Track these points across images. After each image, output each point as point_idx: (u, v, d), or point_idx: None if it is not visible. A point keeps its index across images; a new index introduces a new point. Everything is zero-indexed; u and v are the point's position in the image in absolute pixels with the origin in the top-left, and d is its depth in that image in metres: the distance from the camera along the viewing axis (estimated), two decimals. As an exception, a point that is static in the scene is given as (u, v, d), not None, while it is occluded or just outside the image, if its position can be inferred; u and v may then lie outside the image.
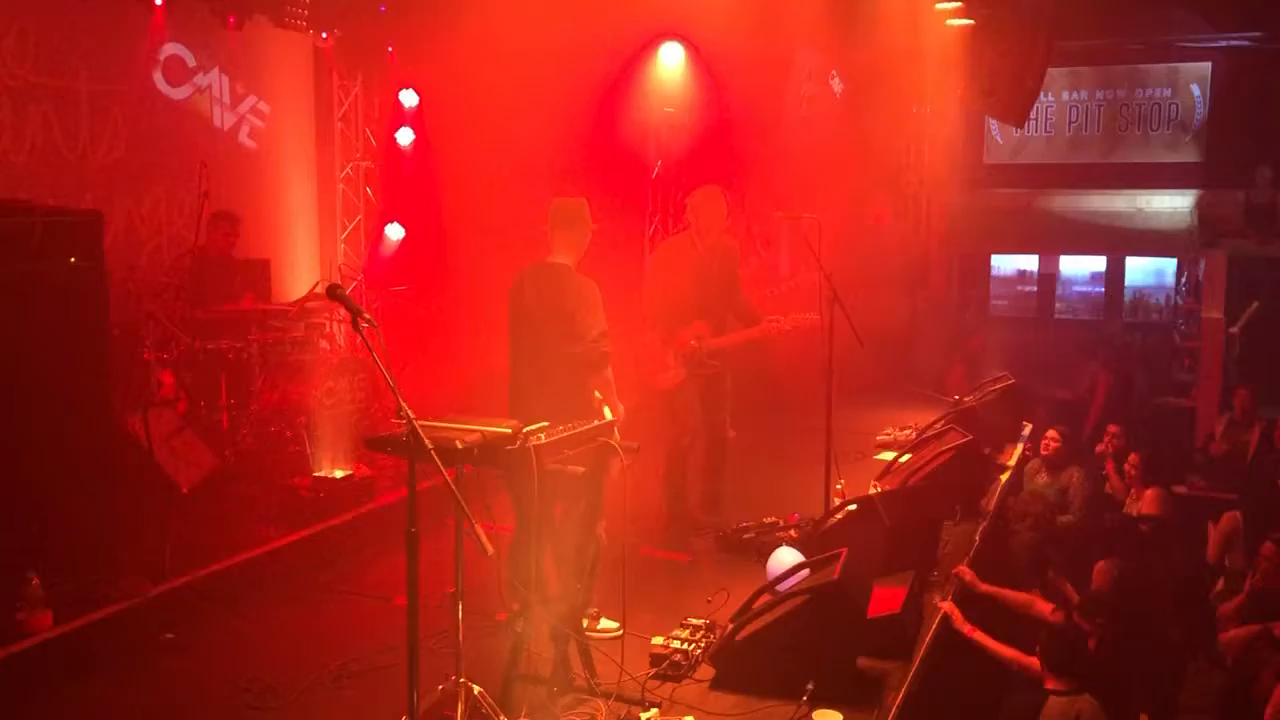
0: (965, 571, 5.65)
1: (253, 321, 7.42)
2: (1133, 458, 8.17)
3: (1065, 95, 13.43)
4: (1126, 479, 8.21)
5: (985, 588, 5.61)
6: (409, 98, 9.80)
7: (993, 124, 13.44)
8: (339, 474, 6.85)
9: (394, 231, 9.79)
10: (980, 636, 5.13)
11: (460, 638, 4.11)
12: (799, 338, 6.56)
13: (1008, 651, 5.12)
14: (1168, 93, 13.11)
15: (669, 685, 4.57)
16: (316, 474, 6.85)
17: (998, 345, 11.95)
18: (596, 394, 4.93)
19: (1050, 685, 4.76)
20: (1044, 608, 5.42)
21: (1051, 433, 8.39)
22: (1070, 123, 13.55)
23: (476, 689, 4.10)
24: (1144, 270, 13.53)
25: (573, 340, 4.98)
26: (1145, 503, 7.81)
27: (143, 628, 5.07)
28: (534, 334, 5.11)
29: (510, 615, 4.45)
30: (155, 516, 6.07)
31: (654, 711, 4.25)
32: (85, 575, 5.14)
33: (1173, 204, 12.87)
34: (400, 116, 9.83)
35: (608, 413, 4.83)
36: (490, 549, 3.63)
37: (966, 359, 11.54)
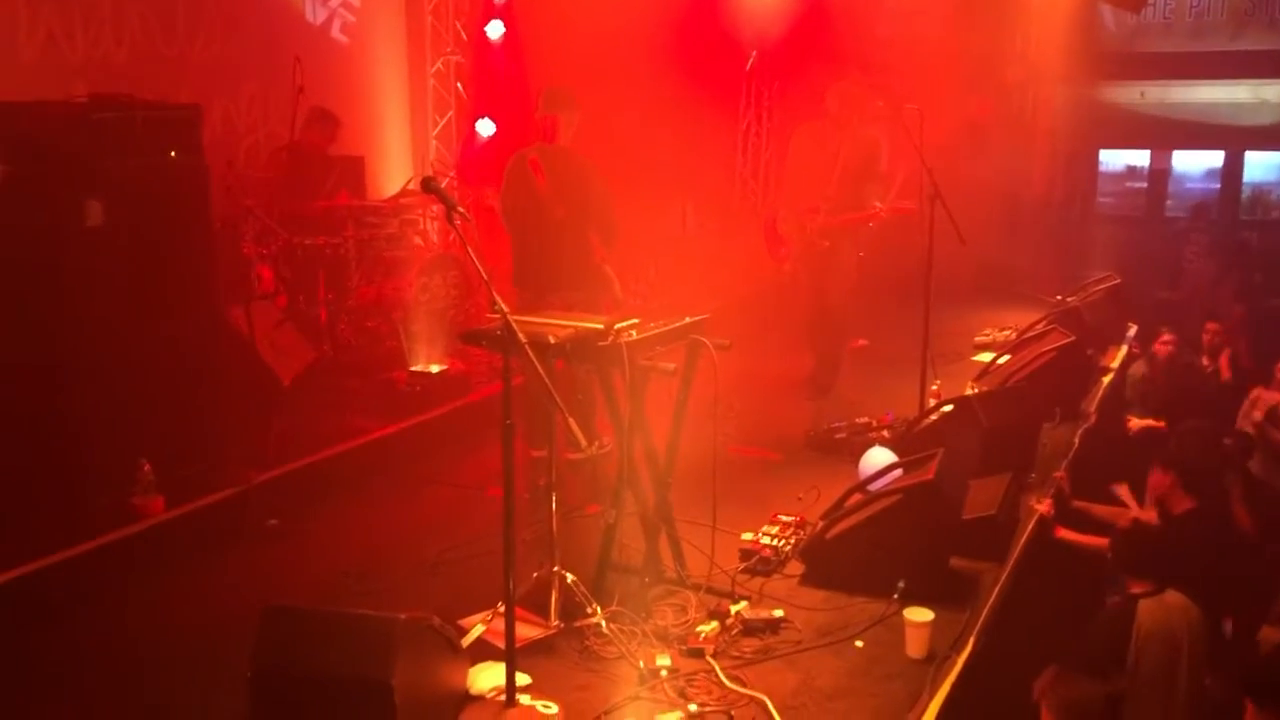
0: (1064, 482, 5.52)
1: (348, 217, 7.47)
2: None
3: (1187, -22, 12.64)
4: None
5: (1077, 504, 5.48)
6: (499, -11, 9.63)
7: (1106, 10, 12.71)
8: (435, 368, 6.96)
9: (485, 127, 9.72)
10: (1067, 534, 5.02)
11: (554, 528, 4.18)
12: (896, 234, 6.41)
13: (1095, 541, 4.98)
14: (1299, -26, 12.25)
15: (758, 579, 4.60)
16: (413, 368, 6.97)
17: (1103, 243, 11.53)
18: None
19: (1135, 589, 4.46)
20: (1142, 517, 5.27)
21: (1166, 335, 8.04)
22: (1191, 8, 12.75)
23: (570, 577, 4.19)
24: (1264, 165, 12.83)
25: (591, 217, 5.69)
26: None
27: (248, 513, 5.26)
28: (552, 211, 5.61)
29: (602, 507, 4.50)
30: (258, 408, 6.24)
31: (744, 604, 4.28)
32: (194, 463, 5.33)
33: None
34: (490, 9, 9.67)
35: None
36: (584, 442, 3.66)
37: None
